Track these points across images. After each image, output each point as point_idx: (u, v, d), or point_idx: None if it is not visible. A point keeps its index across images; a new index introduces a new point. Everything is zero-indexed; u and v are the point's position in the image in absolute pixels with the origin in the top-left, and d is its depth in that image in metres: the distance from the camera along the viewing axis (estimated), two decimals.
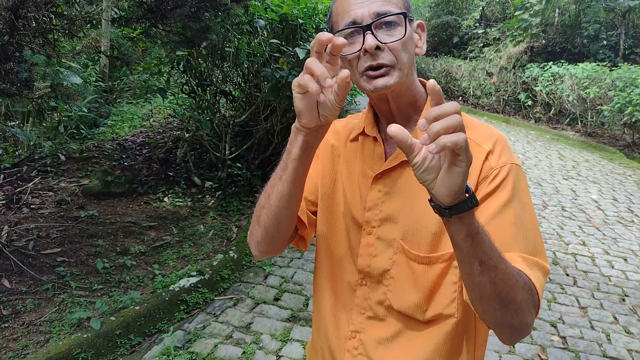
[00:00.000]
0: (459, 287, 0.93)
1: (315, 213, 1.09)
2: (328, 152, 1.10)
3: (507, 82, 11.19)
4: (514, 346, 2.86)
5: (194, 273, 3.14)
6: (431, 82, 0.66)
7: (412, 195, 0.95)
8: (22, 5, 1.60)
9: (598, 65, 9.28)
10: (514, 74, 11.13)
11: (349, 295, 1.02)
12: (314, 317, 1.15)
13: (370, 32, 0.86)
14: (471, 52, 13.10)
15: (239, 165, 4.44)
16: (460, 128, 0.64)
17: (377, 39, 0.86)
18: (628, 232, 4.77)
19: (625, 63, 9.52)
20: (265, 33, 4.01)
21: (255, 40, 3.89)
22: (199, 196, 4.34)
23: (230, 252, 3.48)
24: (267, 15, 3.65)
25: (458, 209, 0.70)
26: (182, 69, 4.23)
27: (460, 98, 12.59)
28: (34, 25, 1.79)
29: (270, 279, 3.42)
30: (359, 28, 0.87)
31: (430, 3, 14.52)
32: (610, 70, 8.84)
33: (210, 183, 4.40)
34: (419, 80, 1.00)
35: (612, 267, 3.99)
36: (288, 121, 4.52)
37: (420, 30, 0.97)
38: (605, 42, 11.01)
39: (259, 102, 4.23)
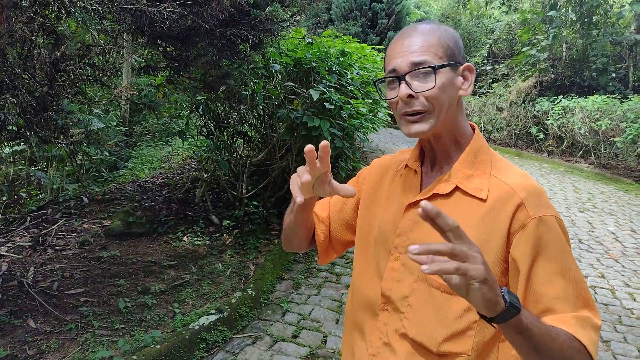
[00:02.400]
0: (478, 326, 0.94)
1: (341, 231, 1.25)
2: (371, 183, 1.20)
3: (517, 117, 11.30)
4: None
5: (213, 311, 3.18)
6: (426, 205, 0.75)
7: None
8: (62, 59, 1.75)
9: (608, 97, 9.36)
10: (524, 108, 11.24)
11: (372, 318, 1.07)
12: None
13: (404, 81, 0.95)
14: (480, 88, 13.30)
15: (255, 203, 4.53)
16: (453, 256, 0.72)
17: (411, 89, 0.94)
18: None
19: (636, 95, 9.58)
20: (280, 76, 4.19)
21: (271, 84, 4.05)
22: (217, 235, 4.41)
23: (248, 289, 3.51)
24: (282, 60, 3.82)
25: (499, 320, 0.76)
26: (201, 112, 4.40)
27: None
28: (71, 76, 1.94)
29: (288, 316, 3.43)
30: (396, 77, 0.97)
31: None
32: (621, 102, 8.91)
33: (228, 221, 4.49)
34: (469, 123, 1.08)
35: (634, 299, 3.93)
36: (303, 160, 4.63)
37: (469, 73, 1.01)
38: (614, 75, 11.13)
39: (274, 142, 4.36)
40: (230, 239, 4.34)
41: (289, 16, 3.50)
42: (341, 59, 4.22)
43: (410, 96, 0.95)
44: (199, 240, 4.24)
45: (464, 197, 0.99)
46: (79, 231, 4.16)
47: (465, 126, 1.06)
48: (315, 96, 3.57)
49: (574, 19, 11.42)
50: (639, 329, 3.46)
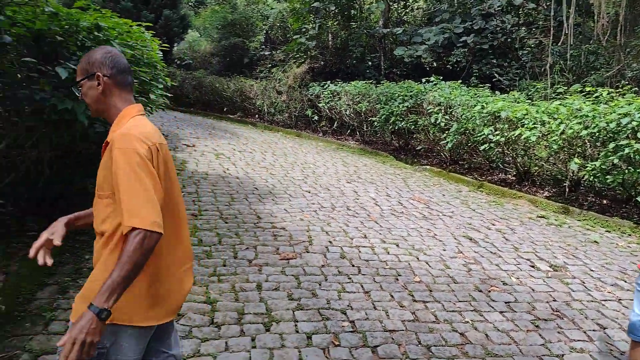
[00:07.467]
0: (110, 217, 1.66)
1: None
2: None
3: (295, 100, 12.09)
4: (310, 337, 3.08)
5: None
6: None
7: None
8: None
9: (366, 83, 10.72)
10: (300, 92, 12.08)
11: None
12: None
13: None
14: (261, 72, 13.78)
15: (1, 202, 3.81)
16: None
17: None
18: (399, 222, 5.59)
19: (386, 80, 11.21)
20: (18, 51, 3.54)
21: (5, 59, 3.40)
22: None
23: None
24: (13, 31, 3.23)
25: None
26: None
27: (257, 115, 13.13)
28: None
29: (53, 326, 3.01)
30: None
31: (217, 25, 14.84)
32: (376, 87, 10.31)
33: None
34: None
35: (388, 252, 4.62)
36: (59, 150, 4.07)
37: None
38: (370, 63, 12.79)
39: (19, 128, 3.70)
40: None
41: None
42: (97, 34, 3.79)
43: None
44: None
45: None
46: None
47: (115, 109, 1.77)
48: (64, 75, 3.13)
49: (336, 11, 12.68)
50: (391, 277, 4.09)
